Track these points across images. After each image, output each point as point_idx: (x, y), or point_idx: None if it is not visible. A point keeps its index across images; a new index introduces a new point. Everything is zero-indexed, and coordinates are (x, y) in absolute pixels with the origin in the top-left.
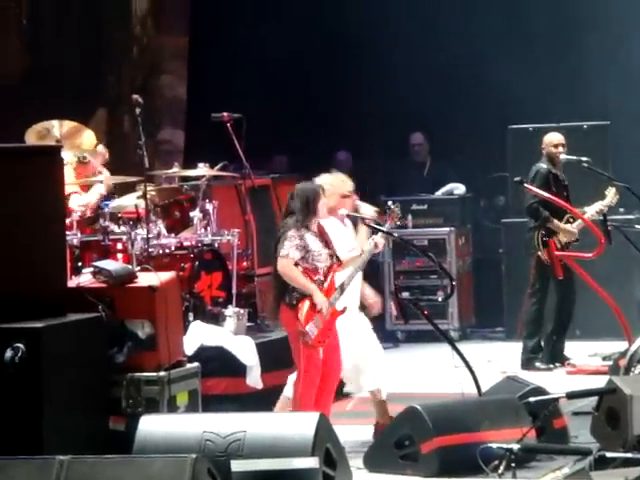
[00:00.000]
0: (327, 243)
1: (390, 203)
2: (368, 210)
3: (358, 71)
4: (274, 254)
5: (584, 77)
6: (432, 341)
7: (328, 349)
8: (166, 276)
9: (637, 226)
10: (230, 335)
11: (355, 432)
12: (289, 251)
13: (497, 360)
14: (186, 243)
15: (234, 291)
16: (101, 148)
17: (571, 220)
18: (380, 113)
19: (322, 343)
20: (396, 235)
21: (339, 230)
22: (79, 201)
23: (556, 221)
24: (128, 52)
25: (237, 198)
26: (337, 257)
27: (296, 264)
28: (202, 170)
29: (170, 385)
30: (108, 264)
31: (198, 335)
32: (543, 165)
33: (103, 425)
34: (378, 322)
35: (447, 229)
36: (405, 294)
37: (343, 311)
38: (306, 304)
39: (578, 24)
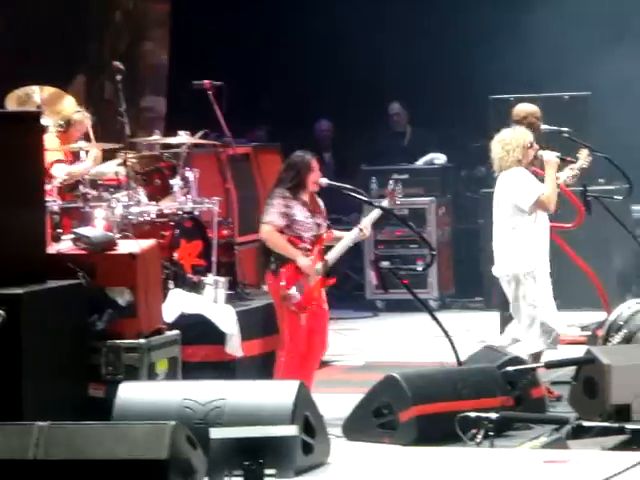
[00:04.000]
0: (316, 213)
1: (392, 182)
2: (550, 156)
3: (339, 40)
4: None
5: (565, 47)
6: (412, 310)
7: (314, 319)
8: (146, 243)
9: (616, 197)
10: (210, 303)
11: (334, 401)
12: (273, 217)
13: (476, 329)
14: (166, 211)
15: (214, 259)
16: (83, 115)
17: None
18: (362, 82)
19: (305, 310)
20: (377, 205)
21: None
22: (65, 170)
23: None
24: (110, 18)
25: (218, 166)
26: (328, 226)
27: (281, 232)
28: (183, 138)
29: (150, 352)
30: (88, 231)
31: (178, 303)
32: None
33: (83, 392)
34: (358, 292)
35: (427, 199)
36: (385, 263)
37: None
38: (289, 268)
39: None
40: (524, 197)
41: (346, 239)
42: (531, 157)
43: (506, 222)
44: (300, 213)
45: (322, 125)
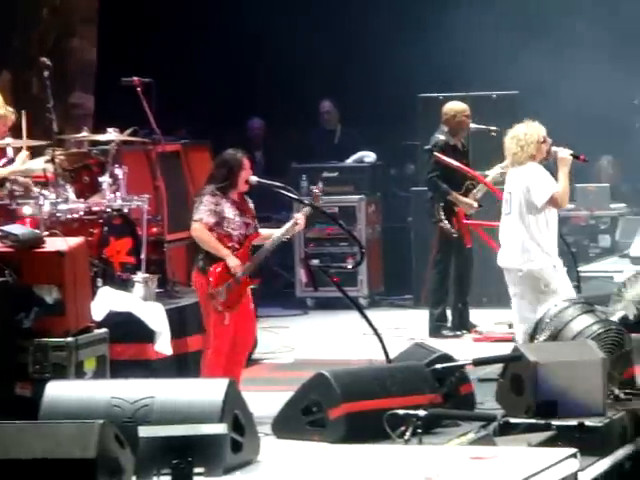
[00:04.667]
0: (245, 213)
1: (313, 187)
2: (564, 153)
3: (270, 38)
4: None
5: (492, 46)
6: (341, 308)
7: (240, 318)
8: (74, 241)
9: None
10: (139, 301)
11: (264, 398)
12: (203, 215)
13: (405, 327)
14: (95, 208)
15: (143, 257)
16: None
17: (471, 187)
18: (293, 80)
19: (230, 309)
20: (307, 202)
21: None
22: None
23: (455, 193)
24: (37, 15)
25: (147, 163)
26: (255, 227)
27: (211, 229)
28: (112, 135)
29: (78, 351)
30: (15, 228)
31: (107, 301)
32: (441, 136)
33: (9, 391)
34: (288, 289)
35: (357, 197)
36: (315, 261)
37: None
38: (218, 267)
39: None
40: (538, 194)
41: (279, 231)
42: (544, 152)
43: (518, 217)
44: (229, 211)
45: (254, 123)
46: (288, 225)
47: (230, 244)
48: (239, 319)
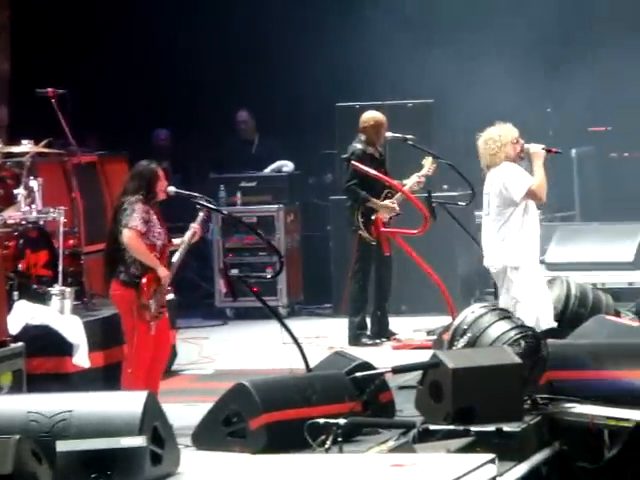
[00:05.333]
0: (161, 222)
1: (201, 202)
2: (536, 148)
3: (188, 49)
4: (113, 227)
5: (407, 56)
6: (261, 318)
7: (158, 328)
8: None
9: (460, 203)
10: (56, 314)
11: (184, 410)
12: (137, 222)
13: (325, 336)
14: (10, 221)
15: (60, 269)
16: None
17: (389, 195)
18: (208, 91)
19: (157, 319)
20: (225, 212)
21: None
22: None
23: (374, 199)
24: None
25: (63, 175)
26: (169, 237)
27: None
28: (26, 146)
29: None
30: None
31: (23, 314)
32: (358, 145)
33: None
34: (207, 300)
35: (276, 206)
36: (234, 271)
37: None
38: (149, 278)
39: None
40: (515, 189)
41: (183, 240)
42: (518, 151)
43: (497, 216)
44: (155, 222)
45: (160, 134)
46: (189, 234)
47: (153, 254)
48: (158, 329)
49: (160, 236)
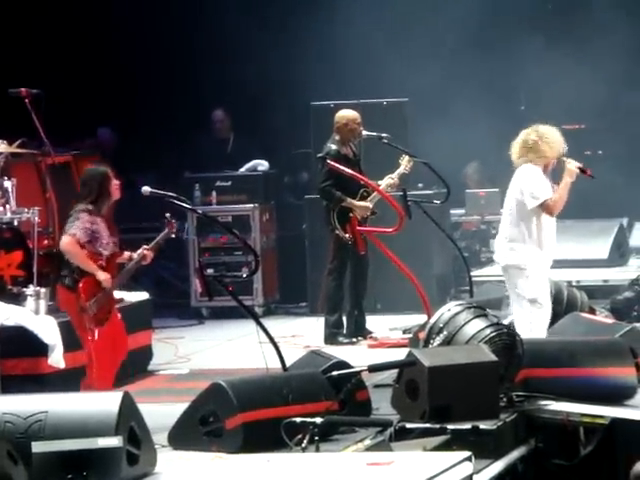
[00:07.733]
0: (111, 231)
1: (168, 215)
2: (572, 165)
3: (160, 46)
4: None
5: (382, 54)
6: (237, 317)
7: (112, 331)
8: None
9: (435, 201)
10: (31, 314)
11: (160, 410)
12: (77, 231)
13: (301, 335)
14: None
15: (35, 270)
16: None
17: (365, 194)
18: (183, 90)
19: (99, 324)
20: (200, 212)
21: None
22: None
23: (349, 199)
24: None
25: (37, 175)
26: (120, 246)
27: (82, 246)
28: (0, 147)
29: None
30: None
31: None
32: (333, 145)
33: None
34: (183, 299)
35: (251, 205)
36: (210, 271)
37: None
38: (88, 282)
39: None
40: (530, 197)
41: (133, 261)
42: (549, 166)
43: (510, 215)
44: (103, 231)
45: (104, 134)
46: (140, 252)
47: (99, 262)
48: (112, 332)
49: (108, 247)
